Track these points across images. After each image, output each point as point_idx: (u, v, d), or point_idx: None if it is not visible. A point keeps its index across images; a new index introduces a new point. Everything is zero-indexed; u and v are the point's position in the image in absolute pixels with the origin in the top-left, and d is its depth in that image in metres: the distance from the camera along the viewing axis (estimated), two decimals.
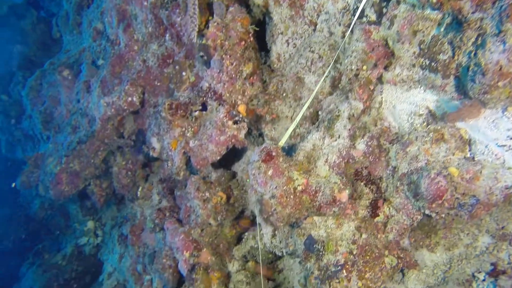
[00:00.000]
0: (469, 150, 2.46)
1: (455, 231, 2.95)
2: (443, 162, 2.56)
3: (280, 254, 3.74)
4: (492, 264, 2.79)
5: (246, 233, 4.16)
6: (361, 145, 3.06)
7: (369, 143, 3.05)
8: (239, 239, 4.27)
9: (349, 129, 3.10)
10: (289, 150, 3.32)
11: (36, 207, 6.95)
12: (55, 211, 7.06)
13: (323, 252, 2.96)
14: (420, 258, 3.07)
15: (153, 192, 4.81)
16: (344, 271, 2.82)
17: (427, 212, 2.66)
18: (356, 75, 2.98)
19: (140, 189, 4.89)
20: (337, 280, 2.79)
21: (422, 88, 2.76)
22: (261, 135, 3.83)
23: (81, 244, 6.64)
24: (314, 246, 3.03)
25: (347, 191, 2.74)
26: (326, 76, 3.34)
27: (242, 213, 4.07)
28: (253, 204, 3.99)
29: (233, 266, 4.07)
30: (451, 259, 2.97)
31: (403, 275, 3.14)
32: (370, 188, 3.01)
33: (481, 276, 2.79)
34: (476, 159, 2.41)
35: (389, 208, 2.92)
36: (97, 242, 6.60)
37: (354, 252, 2.85)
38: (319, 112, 3.42)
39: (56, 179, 4.75)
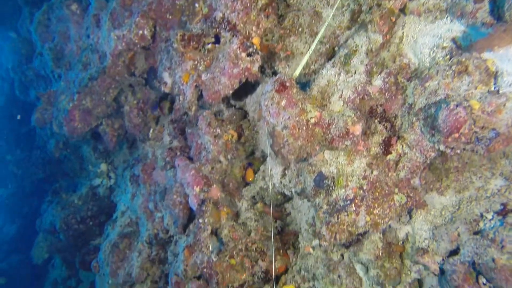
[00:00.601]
0: (494, 83, 2.35)
1: (467, 174, 2.90)
2: (464, 97, 2.46)
3: (289, 194, 3.78)
4: (502, 204, 2.76)
5: (256, 174, 4.20)
6: (377, 81, 2.96)
7: (386, 80, 2.95)
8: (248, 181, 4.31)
9: (366, 65, 2.98)
10: (303, 87, 3.24)
11: (51, 146, 7.12)
12: (70, 153, 7.25)
13: (333, 187, 2.97)
14: (429, 201, 3.06)
15: (164, 133, 4.84)
16: (353, 205, 2.83)
17: (442, 148, 2.60)
18: (378, 5, 2.80)
19: (151, 130, 4.93)
20: (346, 213, 2.82)
21: (448, 18, 2.59)
22: (274, 73, 3.74)
23: (95, 185, 6.86)
24: (324, 181, 3.04)
25: (360, 124, 2.69)
26: (344, 9, 3.16)
27: (253, 153, 4.08)
28: (264, 144, 4.00)
29: (242, 206, 4.15)
30: (461, 201, 2.95)
31: (410, 217, 3.16)
32: (384, 125, 2.95)
33: (489, 215, 2.77)
34: (501, 91, 2.30)
35: (403, 146, 2.88)
36: (110, 184, 6.82)
37: (364, 188, 2.85)
38: (336, 48, 3.29)
39: (69, 116, 4.79)
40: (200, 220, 3.58)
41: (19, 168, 8.72)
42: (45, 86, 6.99)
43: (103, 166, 6.71)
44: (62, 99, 4.95)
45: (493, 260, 2.50)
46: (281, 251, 3.94)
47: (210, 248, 3.52)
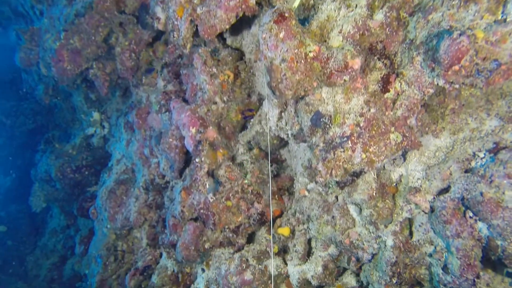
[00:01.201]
0: (502, 12, 2.27)
1: (463, 116, 2.89)
2: (468, 28, 2.39)
3: (285, 137, 3.78)
4: (494, 143, 2.78)
5: (252, 120, 4.17)
6: (379, 16, 2.85)
7: (387, 14, 2.84)
8: (244, 126, 4.29)
9: None
10: (302, 23, 3.11)
11: (40, 92, 6.91)
12: (60, 101, 7.07)
13: (330, 125, 2.96)
14: (424, 143, 3.08)
15: (158, 78, 4.71)
16: (350, 142, 2.83)
17: (441, 83, 2.57)
18: None
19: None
20: (342, 150, 2.83)
21: None
22: None
23: (89, 134, 6.79)
24: (321, 120, 3.02)
25: (360, 58, 2.62)
26: None
27: (249, 96, 4.01)
28: (261, 85, 3.92)
29: (238, 150, 4.16)
30: (455, 142, 2.96)
31: (405, 159, 3.19)
32: (383, 62, 2.89)
33: (481, 154, 2.80)
34: (508, 20, 2.23)
35: (401, 83, 2.83)
36: (104, 133, 6.74)
37: (361, 125, 2.84)
38: None
39: (57, 56, 4.59)
40: (197, 160, 3.59)
41: (7, 118, 8.51)
42: (26, 26, 6.54)
43: (96, 115, 6.59)
44: (48, 37, 4.69)
45: (481, 194, 2.56)
46: (276, 195, 4.01)
47: (207, 187, 3.56)
